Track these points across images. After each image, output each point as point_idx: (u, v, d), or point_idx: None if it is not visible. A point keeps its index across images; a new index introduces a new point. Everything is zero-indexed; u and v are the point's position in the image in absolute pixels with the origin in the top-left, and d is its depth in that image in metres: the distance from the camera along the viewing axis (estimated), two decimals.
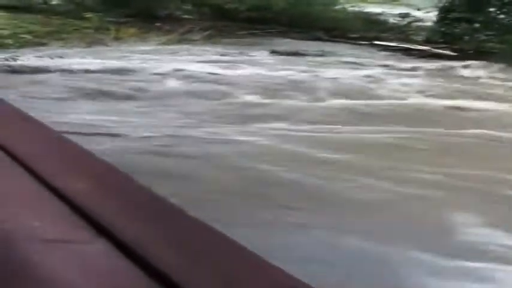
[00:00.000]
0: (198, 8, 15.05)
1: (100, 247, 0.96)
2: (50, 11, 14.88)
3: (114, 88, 9.23)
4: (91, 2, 15.06)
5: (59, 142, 1.46)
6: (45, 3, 15.26)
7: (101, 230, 0.98)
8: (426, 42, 12.36)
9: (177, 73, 10.06)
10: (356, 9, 14.32)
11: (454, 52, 11.52)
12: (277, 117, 7.94)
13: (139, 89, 9.22)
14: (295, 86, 9.57)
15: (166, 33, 13.91)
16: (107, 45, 13.22)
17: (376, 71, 10.54)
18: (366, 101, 8.87)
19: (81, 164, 1.30)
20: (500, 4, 12.22)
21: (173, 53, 12.09)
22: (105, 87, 9.24)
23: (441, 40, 12.20)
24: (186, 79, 9.86)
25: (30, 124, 1.63)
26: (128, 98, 8.85)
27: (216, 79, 9.93)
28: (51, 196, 1.11)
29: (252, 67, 10.77)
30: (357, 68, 10.88)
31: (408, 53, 11.89)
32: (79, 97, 8.77)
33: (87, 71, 10.05)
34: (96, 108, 8.24)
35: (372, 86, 9.77)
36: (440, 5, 13.28)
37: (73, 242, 0.98)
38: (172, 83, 9.59)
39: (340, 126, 7.66)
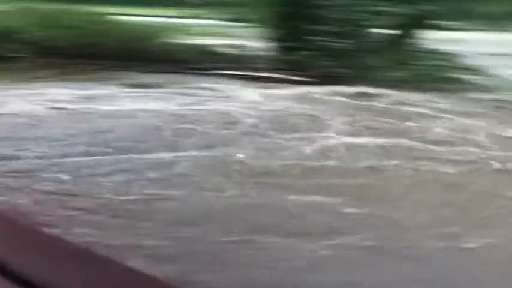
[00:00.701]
0: (30, 46, 15.06)
1: None
2: None
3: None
4: None
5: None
6: None
7: None
8: (270, 70, 13.64)
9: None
10: (188, 42, 15.28)
11: (303, 77, 12.92)
12: None
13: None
14: None
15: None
16: None
17: None
18: None
19: (27, 238, 1.24)
20: (324, 33, 13.79)
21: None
22: None
23: (283, 67, 13.54)
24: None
25: None
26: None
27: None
28: None
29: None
30: None
31: (258, 80, 13.06)
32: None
33: None
34: None
35: None
36: (263, 36, 14.62)
37: None
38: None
39: None
